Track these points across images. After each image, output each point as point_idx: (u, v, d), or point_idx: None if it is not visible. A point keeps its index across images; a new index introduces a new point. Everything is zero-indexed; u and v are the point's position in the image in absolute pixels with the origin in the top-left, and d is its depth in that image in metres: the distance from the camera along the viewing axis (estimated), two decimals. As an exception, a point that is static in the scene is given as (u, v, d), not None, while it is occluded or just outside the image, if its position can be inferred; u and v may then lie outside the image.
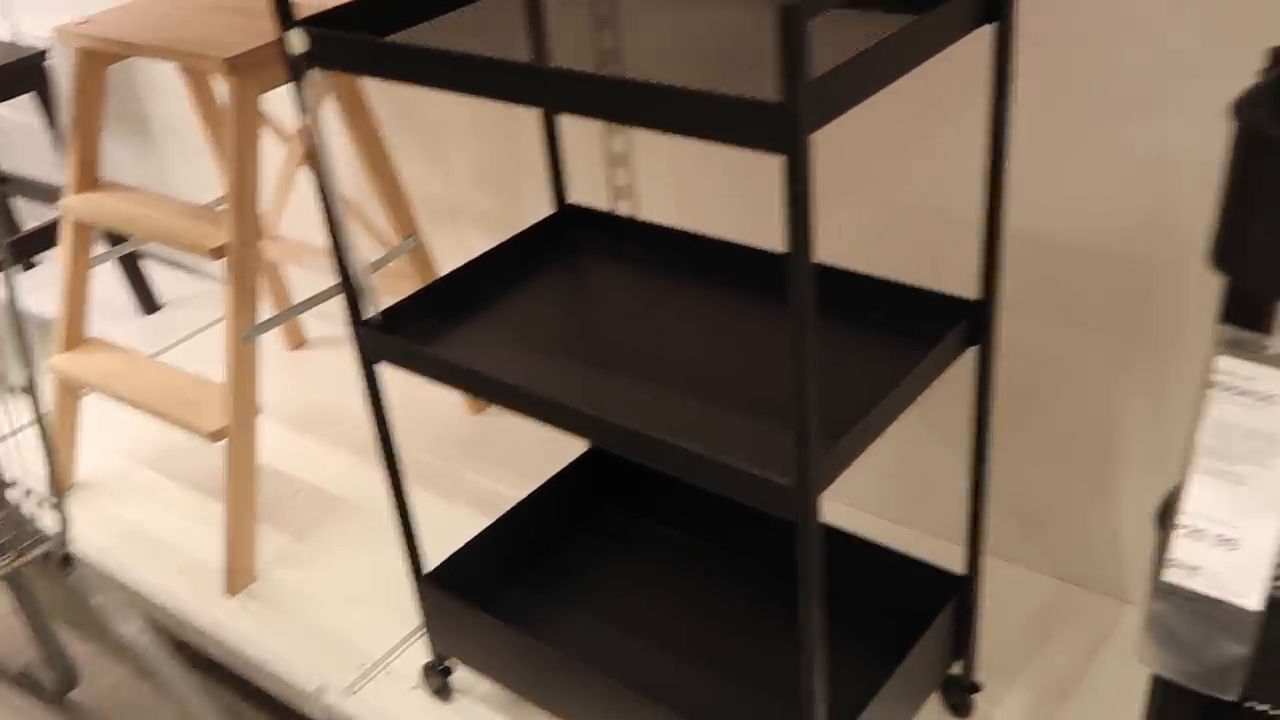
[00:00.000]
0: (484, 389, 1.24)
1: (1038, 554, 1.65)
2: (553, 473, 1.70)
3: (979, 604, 1.42)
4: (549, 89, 0.99)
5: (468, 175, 2.05)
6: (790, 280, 0.92)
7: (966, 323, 1.22)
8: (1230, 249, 0.78)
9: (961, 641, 1.43)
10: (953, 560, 1.64)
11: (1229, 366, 0.79)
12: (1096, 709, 1.46)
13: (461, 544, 1.57)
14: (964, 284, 1.53)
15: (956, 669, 1.46)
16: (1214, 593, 0.83)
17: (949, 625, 1.39)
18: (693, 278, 1.42)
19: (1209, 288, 1.36)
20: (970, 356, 1.50)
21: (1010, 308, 1.51)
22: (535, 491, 1.67)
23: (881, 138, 1.52)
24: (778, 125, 0.86)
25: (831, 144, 1.57)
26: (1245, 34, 1.22)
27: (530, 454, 2.03)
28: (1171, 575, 0.85)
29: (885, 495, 1.77)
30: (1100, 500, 1.56)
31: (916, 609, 1.47)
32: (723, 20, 1.19)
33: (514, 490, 1.94)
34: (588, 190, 1.87)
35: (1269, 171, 0.74)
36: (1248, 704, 1.05)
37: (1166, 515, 0.87)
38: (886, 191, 1.54)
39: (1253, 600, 0.82)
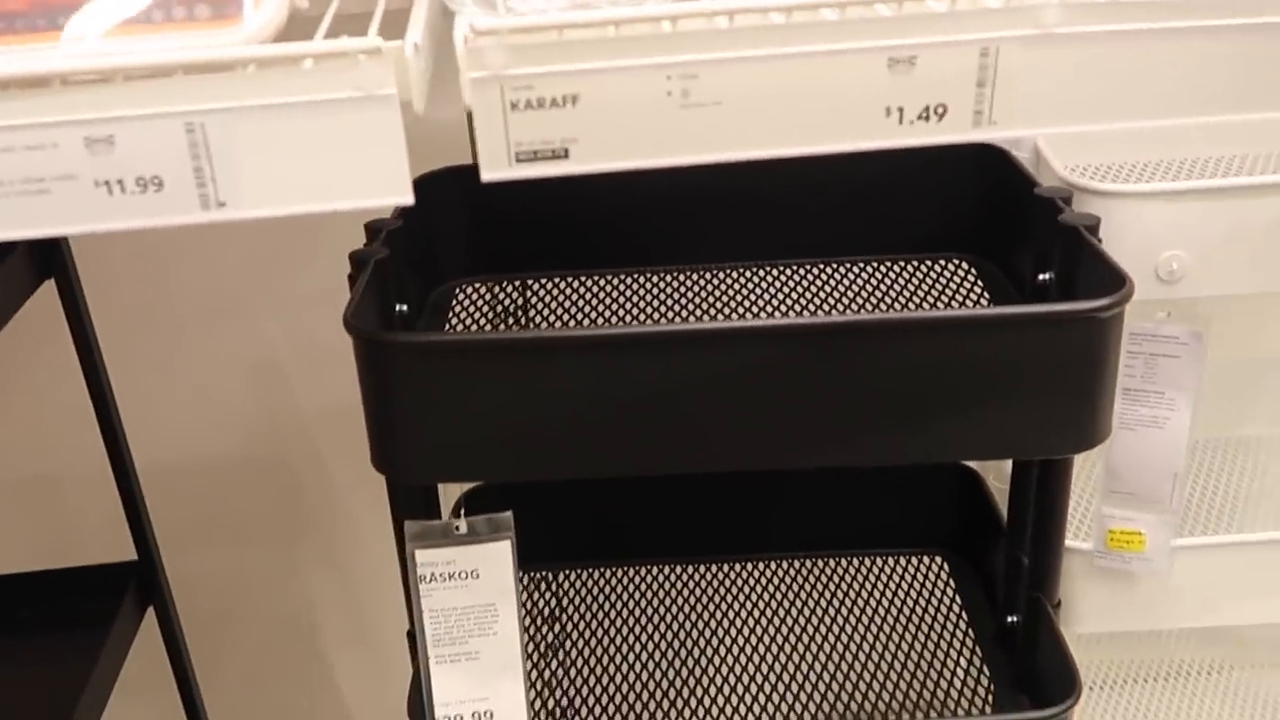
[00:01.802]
0: None
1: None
2: None
3: None
4: None
5: None
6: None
7: (135, 587, 1.11)
8: (384, 451, 0.80)
9: None
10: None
11: (427, 558, 0.81)
12: None
13: None
14: (112, 546, 1.39)
15: None
16: (491, 768, 0.84)
17: None
18: None
19: (346, 467, 1.40)
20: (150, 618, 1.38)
21: (171, 548, 1.41)
22: None
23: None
24: None
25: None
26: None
27: None
28: (447, 771, 0.84)
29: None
30: (321, 692, 1.53)
31: None
32: None
33: None
34: None
35: (394, 373, 0.76)
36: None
37: (415, 712, 0.87)
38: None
39: (524, 759, 0.85)
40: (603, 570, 1.19)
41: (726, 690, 1.04)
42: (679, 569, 1.18)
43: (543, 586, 1.17)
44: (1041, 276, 0.90)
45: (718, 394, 0.74)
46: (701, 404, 0.75)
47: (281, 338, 1.32)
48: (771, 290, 1.04)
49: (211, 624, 1.46)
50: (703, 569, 1.18)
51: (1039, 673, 0.95)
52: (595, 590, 1.17)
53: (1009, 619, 1.02)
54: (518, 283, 1.05)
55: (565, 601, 1.16)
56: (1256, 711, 1.45)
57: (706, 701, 1.03)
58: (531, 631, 1.12)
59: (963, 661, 1.05)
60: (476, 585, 0.82)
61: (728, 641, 1.10)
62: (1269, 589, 1.12)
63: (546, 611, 1.15)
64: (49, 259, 0.99)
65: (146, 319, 1.29)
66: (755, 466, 0.78)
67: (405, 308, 0.91)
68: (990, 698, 1.01)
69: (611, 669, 1.07)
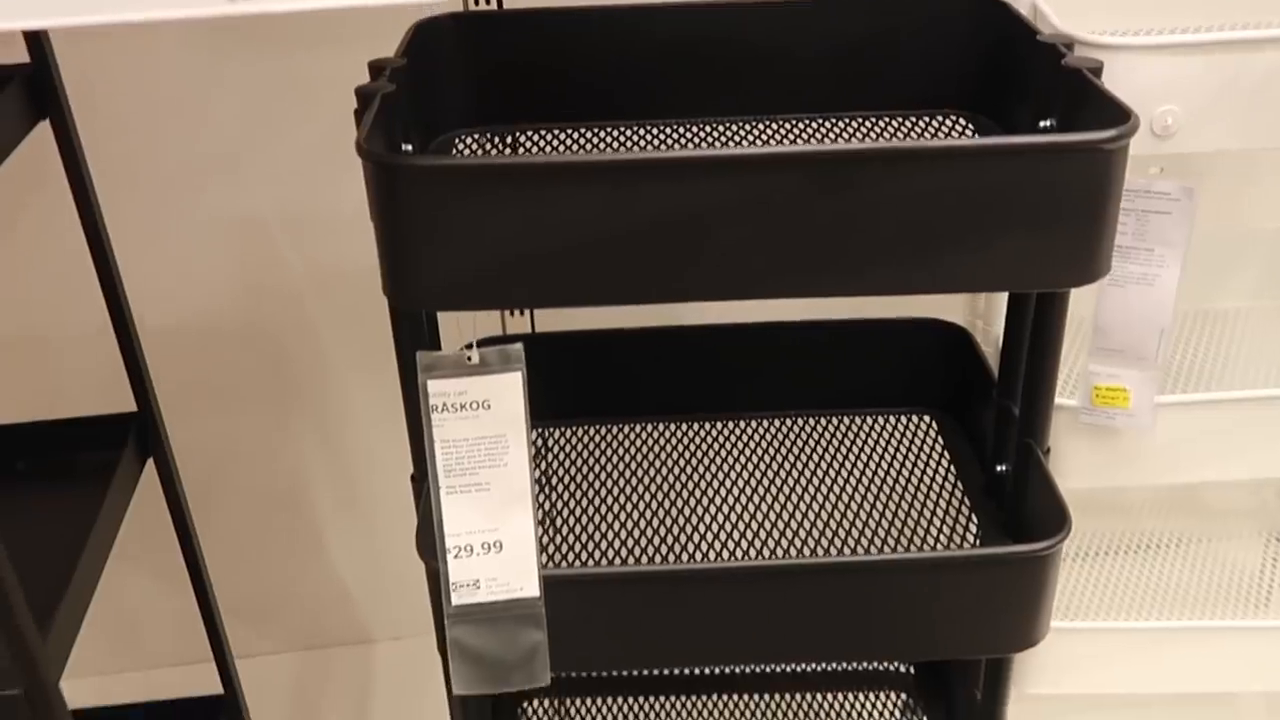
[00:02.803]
0: None
1: (276, 636, 1.60)
2: None
3: (246, 710, 1.33)
4: None
5: None
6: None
7: (135, 437, 1.11)
8: (395, 277, 0.80)
9: (244, 759, 1.34)
10: (206, 679, 1.51)
11: (439, 389, 0.82)
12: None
13: None
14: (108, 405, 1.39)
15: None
16: (500, 597, 0.86)
17: (227, 751, 1.29)
18: None
19: (337, 333, 1.40)
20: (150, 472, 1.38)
21: (169, 410, 1.41)
22: None
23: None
24: None
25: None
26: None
27: None
28: (458, 598, 0.86)
29: (103, 650, 1.57)
30: (313, 558, 1.55)
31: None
32: None
33: None
34: None
35: (406, 196, 0.76)
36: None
37: (425, 545, 0.88)
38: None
39: (533, 587, 0.87)
40: (590, 427, 1.20)
41: (711, 539, 1.07)
42: (668, 427, 1.20)
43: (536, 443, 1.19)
44: (1043, 124, 0.91)
45: (727, 220, 0.75)
46: (711, 230, 0.76)
47: (272, 200, 1.31)
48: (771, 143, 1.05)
49: (204, 490, 1.47)
50: (693, 427, 1.20)
51: (1029, 515, 0.98)
52: (582, 447, 1.19)
53: (998, 468, 1.05)
54: (515, 134, 1.05)
55: (551, 457, 1.18)
56: (1225, 579, 1.50)
57: (692, 549, 1.06)
58: (529, 485, 1.14)
59: (951, 511, 1.08)
60: (487, 416, 0.83)
61: (716, 496, 1.12)
62: (1249, 445, 1.15)
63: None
64: (43, 97, 0.97)
65: (136, 179, 1.28)
66: (762, 295, 0.79)
67: (410, 147, 0.91)
68: (978, 542, 1.04)
69: (597, 519, 1.10)
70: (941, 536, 1.05)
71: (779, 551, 1.05)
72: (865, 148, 0.83)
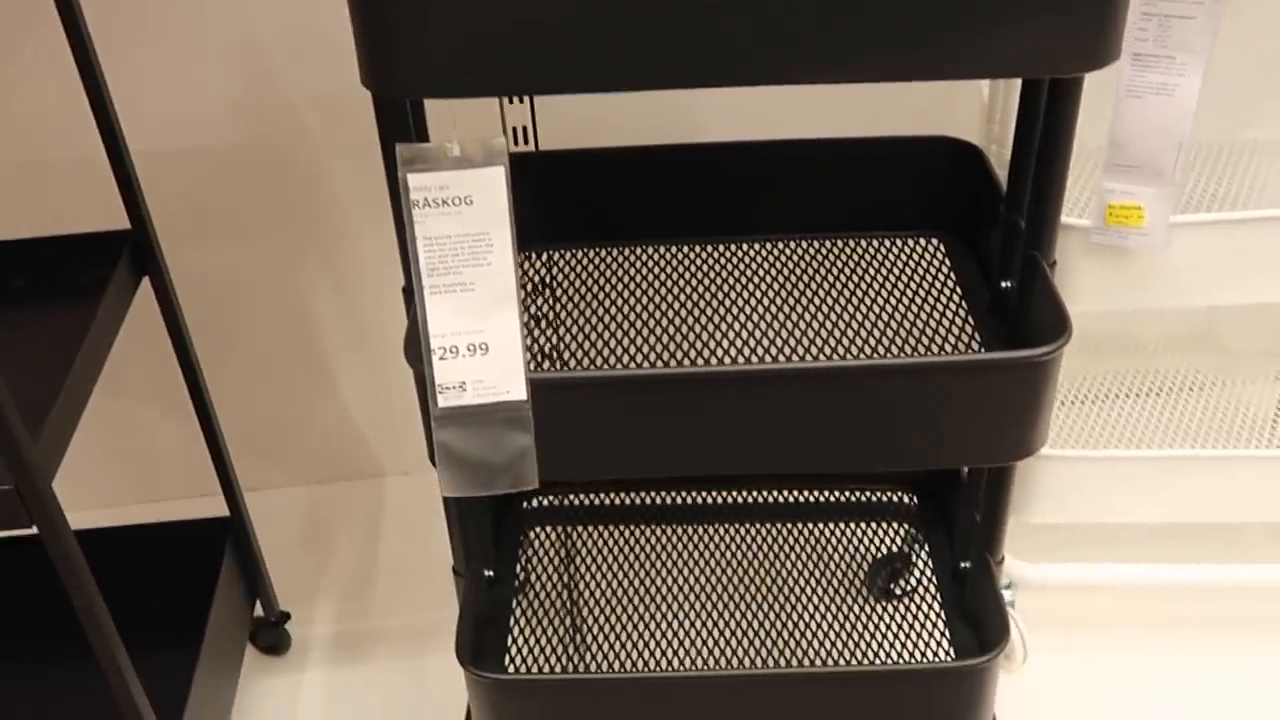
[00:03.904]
0: None
1: (286, 470, 1.61)
2: None
3: (255, 540, 1.35)
4: None
5: None
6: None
7: (129, 254, 1.10)
8: (374, 62, 0.77)
9: (253, 583, 1.36)
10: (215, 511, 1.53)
11: (420, 182, 0.79)
12: (395, 587, 1.48)
13: None
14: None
15: (260, 612, 1.38)
16: (486, 399, 0.86)
17: (235, 574, 1.30)
18: None
19: (344, 163, 1.38)
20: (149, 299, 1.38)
21: (168, 240, 1.40)
22: None
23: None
24: None
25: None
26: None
27: None
28: (444, 401, 0.85)
29: (115, 483, 1.60)
30: (322, 393, 1.55)
31: (197, 572, 1.35)
32: None
33: None
34: None
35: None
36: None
37: (411, 350, 0.87)
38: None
39: (519, 390, 0.86)
40: (594, 250, 1.18)
41: (708, 355, 1.05)
42: (674, 249, 1.18)
43: (537, 263, 1.17)
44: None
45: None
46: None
47: (272, 19, 1.27)
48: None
49: (214, 321, 1.47)
50: (697, 249, 1.18)
51: (1031, 327, 0.95)
52: (585, 269, 1.17)
53: (1003, 284, 1.02)
54: None
55: (561, 276, 1.16)
56: (1239, 416, 1.48)
57: (689, 364, 1.04)
58: (526, 303, 1.12)
59: (954, 329, 1.06)
60: (470, 212, 0.81)
61: (718, 317, 1.10)
62: (1266, 267, 1.12)
63: (538, 282, 1.15)
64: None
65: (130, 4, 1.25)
66: (763, 79, 0.76)
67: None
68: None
69: (599, 338, 1.08)
70: (943, 352, 1.03)
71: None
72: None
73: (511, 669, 1.15)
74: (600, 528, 1.34)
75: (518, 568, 1.28)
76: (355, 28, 0.74)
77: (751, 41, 0.73)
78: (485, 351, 0.85)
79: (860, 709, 1.05)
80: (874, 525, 1.32)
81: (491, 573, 1.20)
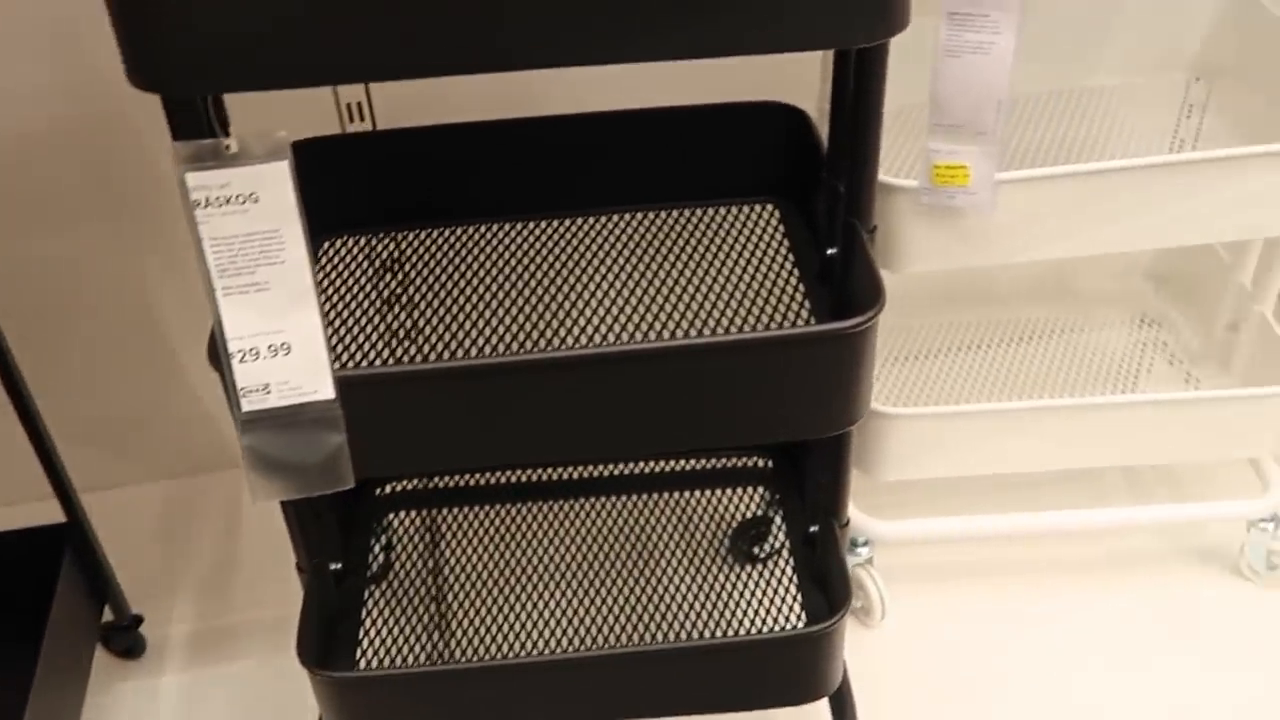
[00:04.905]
0: None
1: (138, 466, 1.56)
2: None
3: (97, 543, 1.30)
4: None
5: None
6: None
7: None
8: (139, 56, 0.73)
9: (99, 588, 1.31)
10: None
11: (199, 181, 0.76)
12: (256, 581, 1.45)
13: None
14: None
15: (110, 617, 1.34)
16: (292, 400, 0.83)
17: (76, 580, 1.26)
18: None
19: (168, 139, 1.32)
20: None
21: (-17, 229, 1.34)
22: None
23: None
24: None
25: None
26: None
27: None
28: (249, 404, 0.82)
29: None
30: (170, 385, 1.50)
31: (32, 582, 1.31)
32: None
33: None
34: None
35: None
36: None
37: (215, 353, 0.84)
38: None
39: (326, 389, 0.83)
40: (440, 228, 1.16)
41: (537, 336, 1.04)
42: (508, 227, 1.16)
43: (382, 244, 1.14)
44: None
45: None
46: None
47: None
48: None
49: (36, 314, 1.41)
50: (542, 224, 1.16)
51: (852, 295, 0.95)
52: (434, 247, 1.14)
53: (829, 252, 1.02)
54: None
55: (413, 255, 1.13)
56: (1095, 363, 1.51)
57: (543, 343, 1.03)
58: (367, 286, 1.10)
59: (784, 298, 1.05)
60: (256, 210, 0.78)
61: (565, 290, 1.08)
62: (1098, 220, 1.13)
63: (386, 260, 1.12)
64: None
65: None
66: (539, 62, 0.73)
67: None
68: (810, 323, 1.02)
69: (438, 321, 1.06)
70: (772, 323, 1.02)
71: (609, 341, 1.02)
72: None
73: (364, 664, 1.13)
74: (462, 509, 1.32)
75: (370, 557, 1.25)
76: (115, 28, 0.70)
77: (519, 19, 0.71)
78: (287, 351, 0.82)
79: (716, 676, 1.06)
80: (734, 491, 1.32)
81: (340, 565, 1.18)
